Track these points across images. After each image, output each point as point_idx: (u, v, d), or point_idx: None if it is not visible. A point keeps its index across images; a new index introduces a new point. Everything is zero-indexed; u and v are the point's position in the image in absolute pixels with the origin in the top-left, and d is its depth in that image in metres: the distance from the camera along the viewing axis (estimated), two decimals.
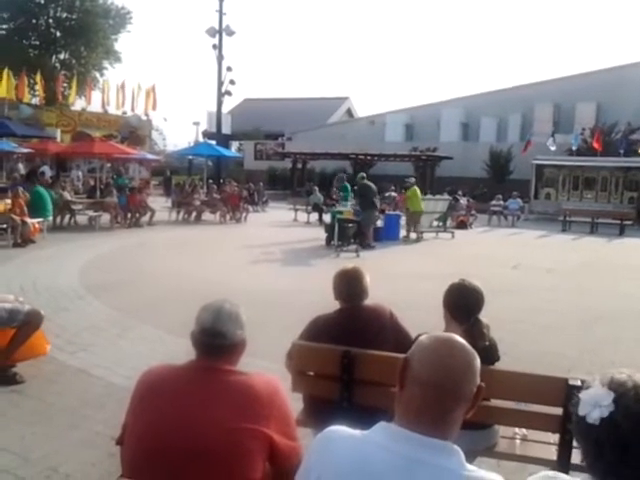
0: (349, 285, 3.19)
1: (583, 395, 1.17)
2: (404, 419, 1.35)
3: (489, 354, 2.83)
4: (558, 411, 2.62)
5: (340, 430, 1.44)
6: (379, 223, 15.99)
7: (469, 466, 1.33)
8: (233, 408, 1.84)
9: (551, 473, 1.31)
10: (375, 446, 1.33)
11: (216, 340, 1.95)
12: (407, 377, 1.38)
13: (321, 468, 1.38)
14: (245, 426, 1.81)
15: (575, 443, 2.50)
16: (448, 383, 1.33)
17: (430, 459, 1.29)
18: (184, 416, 1.83)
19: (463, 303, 2.88)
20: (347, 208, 15.76)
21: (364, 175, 15.48)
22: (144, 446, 1.83)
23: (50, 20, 39.07)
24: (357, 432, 1.41)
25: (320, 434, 1.46)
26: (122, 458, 1.93)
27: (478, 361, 1.39)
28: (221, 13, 24.93)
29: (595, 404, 1.14)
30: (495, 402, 2.80)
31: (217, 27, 24.82)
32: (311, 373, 3.14)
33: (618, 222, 20.11)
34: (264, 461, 1.85)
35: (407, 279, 9.69)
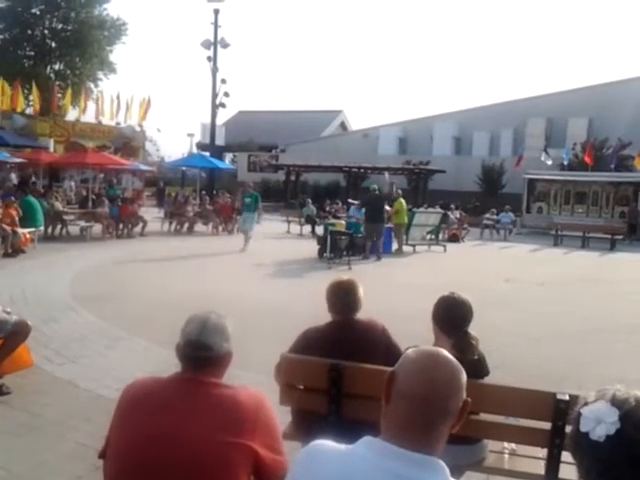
0: (342, 297, 3.15)
1: (584, 411, 1.16)
2: (389, 433, 1.34)
3: (478, 368, 2.83)
4: (546, 426, 2.62)
5: (324, 444, 1.42)
6: None
7: None
8: (217, 421, 1.82)
9: None
10: (359, 460, 1.32)
11: (201, 352, 1.93)
12: (393, 391, 1.37)
13: None
14: (229, 440, 1.79)
15: (564, 458, 2.52)
16: (433, 397, 1.32)
17: (415, 474, 1.27)
18: (167, 429, 1.81)
19: (451, 316, 2.87)
20: (252, 218, 15.40)
21: (376, 187, 15.63)
22: (126, 459, 1.80)
23: (45, 31, 39.13)
24: (342, 446, 1.39)
25: (304, 448, 1.45)
26: (105, 472, 1.91)
27: (464, 376, 1.39)
28: (216, 26, 25.09)
29: (598, 420, 1.12)
30: (484, 416, 2.79)
31: (212, 39, 24.95)
32: (300, 386, 3.12)
33: (609, 237, 20.21)
34: (249, 475, 1.83)
35: (398, 291, 9.69)
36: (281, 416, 3.09)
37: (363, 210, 15.35)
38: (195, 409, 1.85)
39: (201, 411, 1.84)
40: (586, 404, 1.18)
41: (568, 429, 1.23)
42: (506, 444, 3.00)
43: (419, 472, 1.28)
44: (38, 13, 38.26)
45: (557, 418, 2.54)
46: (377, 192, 15.11)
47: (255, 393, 1.96)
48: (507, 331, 7.26)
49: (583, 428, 1.15)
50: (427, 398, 1.32)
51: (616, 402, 1.15)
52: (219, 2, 25.55)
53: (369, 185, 15.69)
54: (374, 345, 3.03)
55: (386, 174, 16.86)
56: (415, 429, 1.32)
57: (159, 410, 1.86)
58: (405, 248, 15.94)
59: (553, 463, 2.60)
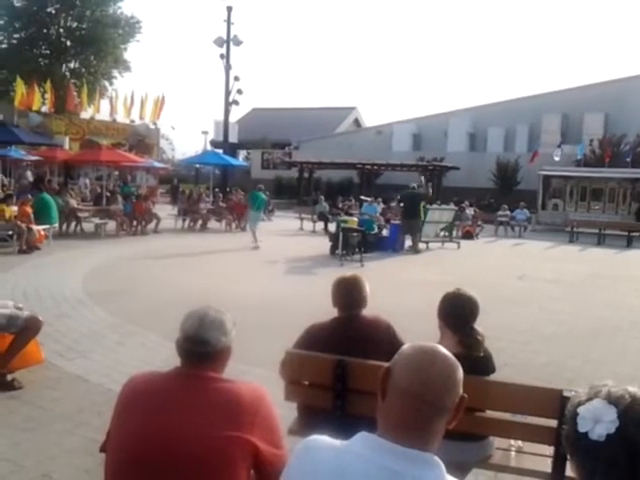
0: (347, 293, 3.14)
1: (581, 411, 1.14)
2: (384, 429, 1.33)
3: (484, 365, 2.80)
4: (553, 423, 2.59)
5: (320, 440, 1.42)
6: (384, 232, 16.01)
7: (450, 478, 1.31)
8: (217, 416, 1.82)
9: None
10: (354, 456, 1.31)
11: (200, 347, 1.94)
12: (388, 387, 1.36)
13: (300, 477, 1.36)
14: (228, 434, 1.79)
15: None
16: (427, 393, 1.30)
17: (409, 471, 1.26)
18: (167, 424, 1.81)
19: (457, 312, 2.85)
20: (257, 218, 15.25)
21: (415, 185, 16.09)
22: (126, 453, 1.81)
23: (61, 30, 39.41)
24: (337, 442, 1.39)
25: (300, 443, 1.45)
26: (106, 465, 1.92)
27: (460, 372, 1.37)
28: (229, 23, 25.07)
29: (597, 420, 1.10)
30: (490, 413, 2.77)
31: (225, 37, 24.96)
32: (305, 382, 3.11)
33: (626, 234, 19.97)
34: (248, 469, 1.82)
35: (410, 288, 9.64)
36: (288, 412, 3.09)
37: (379, 207, 15.59)
38: (194, 403, 1.85)
39: (200, 405, 1.84)
40: (580, 403, 1.15)
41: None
42: (513, 441, 2.97)
43: (413, 468, 1.26)
44: (53, 12, 38.54)
45: (564, 415, 2.51)
46: (415, 190, 15.46)
47: (255, 387, 1.96)
48: (520, 328, 7.20)
49: (581, 428, 1.13)
50: (422, 395, 1.30)
51: (612, 399, 1.12)
52: None
53: (409, 184, 16.17)
54: (377, 341, 3.01)
55: (422, 178, 17.43)
56: (410, 425, 1.30)
57: (158, 405, 1.86)
58: (420, 245, 15.88)
59: (560, 461, 2.57)
